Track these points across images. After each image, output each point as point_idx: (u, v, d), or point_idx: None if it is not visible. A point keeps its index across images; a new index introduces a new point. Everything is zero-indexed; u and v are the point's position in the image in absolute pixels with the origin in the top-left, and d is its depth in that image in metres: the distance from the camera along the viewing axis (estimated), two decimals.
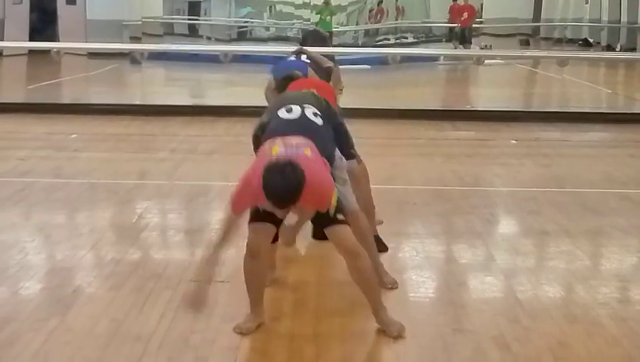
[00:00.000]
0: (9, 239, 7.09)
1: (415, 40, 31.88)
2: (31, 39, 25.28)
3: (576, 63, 20.86)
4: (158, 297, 5.70)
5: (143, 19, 28.06)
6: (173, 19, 32.00)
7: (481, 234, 7.43)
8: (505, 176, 9.94)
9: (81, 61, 22.61)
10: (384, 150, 11.32)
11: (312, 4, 31.07)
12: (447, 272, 6.46)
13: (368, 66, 22.68)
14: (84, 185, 9.09)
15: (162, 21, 30.78)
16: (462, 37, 28.44)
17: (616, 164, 10.63)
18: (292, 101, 5.50)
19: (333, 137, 5.59)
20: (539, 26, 36.45)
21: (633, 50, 28.28)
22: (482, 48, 28.08)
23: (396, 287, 5.95)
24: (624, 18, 30.99)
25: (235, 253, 5.54)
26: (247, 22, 33.21)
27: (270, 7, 33.58)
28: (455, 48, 28.16)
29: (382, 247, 6.68)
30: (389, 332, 5.13)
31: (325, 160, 5.18)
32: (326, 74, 7.26)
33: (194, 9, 32.95)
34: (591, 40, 32.98)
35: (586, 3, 34.76)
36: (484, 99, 18.46)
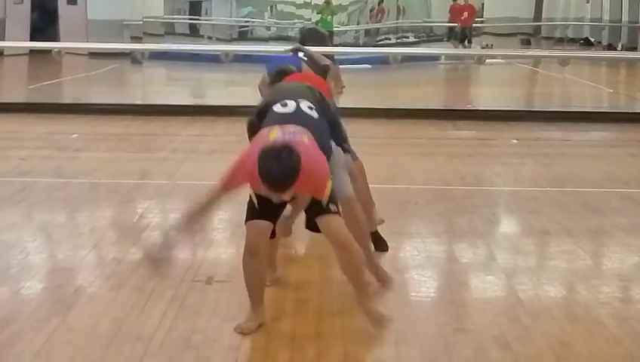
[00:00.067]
0: (10, 239, 7.09)
1: (416, 39, 31.87)
2: (32, 39, 25.30)
3: (577, 63, 20.86)
4: (159, 297, 5.70)
5: (144, 19, 28.07)
6: (174, 18, 32.01)
7: (483, 234, 7.42)
8: (506, 176, 9.93)
9: (82, 61, 22.62)
10: (385, 149, 11.32)
11: (312, 3, 31.09)
12: (449, 272, 6.45)
13: (369, 66, 22.68)
14: (85, 184, 9.09)
15: (163, 21, 30.79)
16: (462, 36, 28.45)
17: (618, 163, 10.62)
18: (287, 95, 5.48)
19: (328, 131, 5.59)
20: (540, 26, 36.47)
21: (634, 49, 28.28)
22: (483, 48, 28.08)
23: (388, 283, 5.96)
24: (625, 17, 30.99)
25: (235, 253, 5.54)
26: (248, 21, 33.23)
27: (271, 6, 33.60)
28: (455, 48, 28.16)
29: (383, 246, 6.69)
30: (371, 321, 5.17)
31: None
32: (322, 72, 7.25)
33: (195, 9, 32.97)
34: (592, 39, 33.00)
35: (587, 2, 34.76)
36: (485, 98, 18.46)
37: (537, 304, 5.76)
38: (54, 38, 25.47)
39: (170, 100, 16.24)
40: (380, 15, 32.09)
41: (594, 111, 15.33)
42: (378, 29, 31.87)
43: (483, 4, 33.25)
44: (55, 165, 10.17)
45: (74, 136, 12.12)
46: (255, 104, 6.02)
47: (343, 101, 12.94)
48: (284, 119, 5.21)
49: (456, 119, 13.85)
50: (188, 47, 24.41)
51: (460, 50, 26.97)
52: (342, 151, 5.90)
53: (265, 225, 5.16)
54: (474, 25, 30.38)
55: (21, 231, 7.44)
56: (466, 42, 28.37)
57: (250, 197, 5.15)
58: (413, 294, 6.01)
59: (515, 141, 12.14)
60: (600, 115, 14.84)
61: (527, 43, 33.24)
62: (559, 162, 10.73)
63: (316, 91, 5.76)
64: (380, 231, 6.81)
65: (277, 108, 5.35)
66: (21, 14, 25.96)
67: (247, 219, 5.17)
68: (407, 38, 31.77)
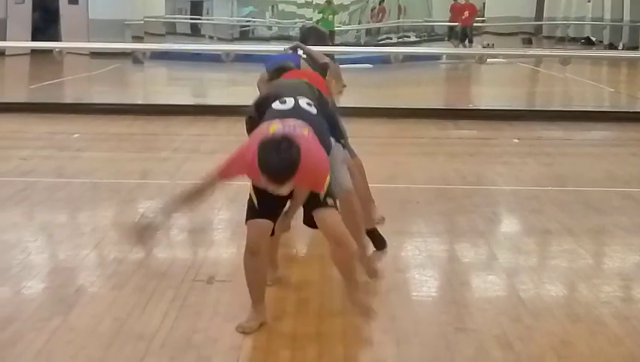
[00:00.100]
0: (11, 239, 7.09)
1: (417, 39, 31.87)
2: (33, 39, 25.31)
3: (578, 62, 20.86)
4: (160, 296, 5.70)
5: (145, 19, 28.08)
6: (175, 18, 32.02)
7: (484, 233, 7.42)
8: (507, 175, 9.93)
9: (83, 61, 22.63)
10: (387, 149, 11.32)
11: (314, 3, 31.12)
12: (450, 271, 6.46)
13: (370, 65, 22.68)
14: (86, 184, 9.10)
15: (164, 20, 30.80)
16: (463, 35, 28.44)
17: (619, 162, 10.62)
18: (285, 92, 5.48)
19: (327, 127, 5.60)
20: (541, 25, 36.46)
21: (635, 48, 28.26)
22: (485, 47, 28.07)
23: (377, 277, 5.97)
24: (626, 17, 30.98)
25: (236, 252, 5.55)
26: (249, 21, 33.24)
27: (272, 6, 33.61)
28: (454, 47, 28.16)
29: (381, 245, 6.70)
30: (359, 311, 5.24)
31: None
32: (322, 70, 7.26)
33: (196, 8, 32.98)
34: (593, 38, 32.98)
35: (589, 1, 34.75)
36: (486, 98, 18.46)
37: (539, 303, 5.76)
38: (56, 37, 25.46)
39: (172, 100, 16.24)
40: (380, 14, 32.09)
41: (595, 111, 15.33)
42: (379, 28, 31.87)
43: (484, 4, 33.26)
44: (56, 165, 10.17)
45: (75, 135, 12.13)
46: None
47: (345, 100, 12.97)
48: (283, 115, 5.21)
49: (458, 118, 13.85)
50: (189, 46, 24.41)
51: (462, 50, 26.95)
52: (341, 147, 5.92)
53: (265, 224, 5.16)
54: (475, 24, 30.37)
55: (22, 230, 7.44)
56: (466, 41, 28.35)
57: (250, 196, 5.15)
58: (414, 293, 6.02)
59: (516, 140, 12.14)
60: (601, 114, 14.83)
61: (528, 42, 33.22)
62: (560, 161, 10.73)
63: (314, 88, 5.77)
64: (381, 230, 6.81)
65: (275, 105, 5.35)
66: (22, 14, 25.98)
67: (247, 219, 5.17)
68: (409, 37, 31.76)
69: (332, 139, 5.62)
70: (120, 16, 26.02)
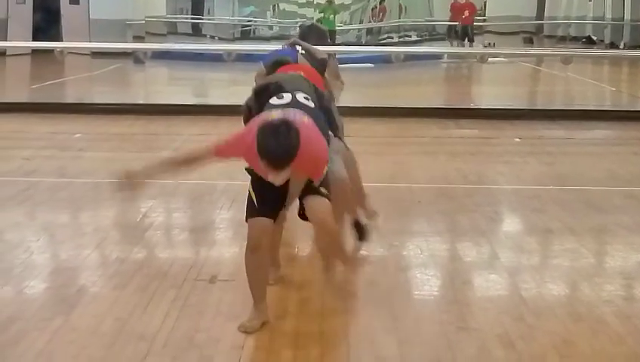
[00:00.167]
0: (14, 238, 7.10)
1: (418, 38, 31.87)
2: (34, 39, 25.30)
3: (579, 61, 20.85)
4: (162, 296, 5.70)
5: (147, 19, 28.07)
6: (176, 18, 32.03)
7: (485, 233, 7.42)
8: (509, 174, 9.93)
9: (84, 60, 22.63)
10: (388, 148, 11.33)
11: (315, 2, 31.13)
12: (452, 270, 6.46)
13: (372, 65, 22.68)
14: (88, 184, 9.10)
15: (166, 20, 30.80)
16: (463, 35, 28.41)
17: (621, 161, 10.62)
18: (284, 85, 5.46)
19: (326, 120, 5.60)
20: (542, 24, 36.42)
21: (637, 47, 28.23)
22: (486, 46, 28.06)
23: (360, 265, 6.01)
24: (627, 16, 30.95)
25: (238, 252, 5.55)
26: (250, 21, 33.26)
27: (273, 6, 33.65)
28: (451, 46, 28.15)
29: (363, 236, 6.69)
30: (332, 291, 5.43)
31: None
32: (320, 65, 7.27)
33: (197, 8, 33.00)
34: (594, 37, 32.95)
35: (590, 1, 34.72)
36: (487, 97, 18.44)
37: (540, 302, 5.76)
38: (57, 37, 25.45)
39: (173, 100, 16.23)
40: (381, 14, 32.09)
41: (596, 110, 15.33)
42: (380, 27, 31.87)
43: (485, 3, 33.25)
44: (58, 165, 10.17)
45: (77, 135, 12.13)
46: None
47: (346, 100, 12.98)
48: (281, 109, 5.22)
49: (459, 118, 13.85)
50: (190, 46, 24.42)
51: (463, 49, 26.94)
52: (337, 139, 5.94)
53: (266, 221, 5.15)
54: (476, 23, 30.35)
55: (25, 230, 7.45)
56: (466, 40, 28.32)
57: (250, 194, 5.15)
58: (416, 293, 6.02)
59: (517, 139, 12.14)
60: (602, 113, 14.82)
61: (529, 41, 33.20)
62: (562, 160, 10.73)
63: (310, 82, 5.77)
64: (382, 229, 6.82)
65: (273, 100, 5.34)
66: (23, 14, 25.98)
67: (247, 217, 5.17)
68: (410, 36, 31.76)
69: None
70: (121, 16, 26.02)
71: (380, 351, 4.95)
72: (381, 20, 31.94)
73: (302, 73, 6.08)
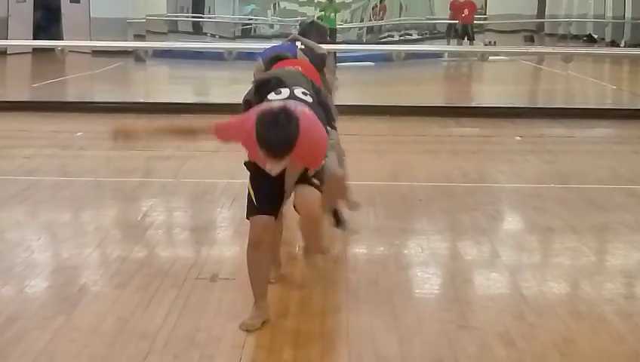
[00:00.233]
0: (15, 237, 7.10)
1: (419, 36, 31.84)
2: (35, 37, 25.28)
3: (580, 59, 20.85)
4: (163, 295, 5.71)
5: (147, 17, 28.06)
6: (177, 16, 32.01)
7: (486, 231, 7.43)
8: (509, 173, 9.94)
9: (85, 59, 22.62)
10: (389, 147, 11.34)
11: (315, 1, 31.08)
12: (453, 269, 6.46)
13: (372, 63, 22.68)
14: (89, 183, 9.10)
15: (166, 19, 30.78)
16: (463, 33, 28.36)
17: (622, 160, 10.62)
18: (282, 82, 5.46)
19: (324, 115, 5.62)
20: (543, 22, 36.40)
21: (637, 46, 28.20)
22: (486, 45, 28.03)
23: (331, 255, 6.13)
24: (628, 14, 30.94)
25: (239, 250, 5.55)
26: (251, 19, 33.23)
27: (274, 4, 33.61)
28: (448, 45, 28.12)
29: (340, 224, 6.96)
30: (309, 266, 5.57)
31: None
32: (320, 60, 7.29)
33: (198, 7, 32.97)
34: (595, 36, 32.93)
35: None
36: (488, 95, 18.44)
37: (541, 301, 5.77)
38: (57, 36, 25.43)
39: (174, 98, 16.21)
40: (381, 13, 32.07)
41: (597, 108, 15.33)
42: (381, 26, 31.85)
43: (486, 1, 33.20)
44: (60, 163, 10.18)
45: (78, 134, 12.13)
46: None
47: (347, 98, 12.96)
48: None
49: (460, 116, 13.85)
50: (191, 45, 24.38)
51: (464, 48, 26.93)
52: (334, 132, 5.98)
53: (267, 219, 5.16)
54: (477, 22, 30.31)
55: (26, 229, 7.45)
56: (465, 39, 28.27)
57: (249, 192, 5.16)
58: (417, 291, 6.03)
59: (518, 138, 12.14)
60: (603, 111, 14.82)
61: (530, 40, 33.16)
62: (563, 159, 10.73)
63: (308, 78, 5.77)
64: (384, 227, 6.84)
65: (271, 96, 5.33)
66: (24, 13, 25.97)
67: (248, 215, 5.18)
68: (411, 35, 31.73)
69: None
70: (122, 15, 26.02)
71: (380, 350, 4.95)
72: (381, 19, 31.92)
73: (299, 68, 6.09)
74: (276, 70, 6.13)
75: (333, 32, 23.88)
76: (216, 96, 18.05)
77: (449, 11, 29.29)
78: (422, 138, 12.24)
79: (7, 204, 8.21)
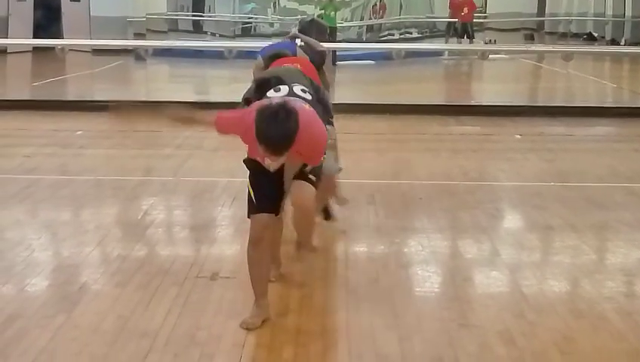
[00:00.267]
0: (15, 236, 7.11)
1: (419, 35, 31.84)
2: (35, 36, 25.28)
3: (580, 58, 20.87)
4: (164, 294, 5.71)
5: (148, 16, 28.05)
6: (177, 15, 32.00)
7: (487, 229, 7.43)
8: (510, 171, 9.94)
9: (85, 58, 22.61)
10: (389, 145, 11.34)
11: None
12: (453, 267, 6.47)
13: (373, 62, 22.68)
14: (89, 181, 9.11)
15: (166, 17, 30.77)
16: (463, 32, 28.33)
17: (622, 158, 10.62)
18: (279, 78, 5.47)
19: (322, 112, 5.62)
20: (543, 21, 36.38)
21: (638, 44, 28.19)
22: (487, 43, 28.02)
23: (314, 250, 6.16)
24: (628, 12, 30.93)
25: (239, 249, 5.56)
26: (251, 18, 33.22)
27: (274, 3, 33.60)
28: (446, 43, 28.12)
29: (329, 217, 7.19)
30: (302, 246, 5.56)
31: None
32: (319, 57, 7.31)
33: (198, 5, 32.96)
34: (595, 34, 32.92)
35: None
36: (488, 94, 18.44)
37: (542, 299, 5.77)
38: (58, 35, 25.42)
39: (174, 97, 16.21)
40: (381, 11, 32.07)
41: (597, 107, 15.32)
42: (381, 24, 31.85)
43: (486, 0, 33.20)
44: (60, 162, 10.19)
45: (78, 133, 12.13)
46: None
47: (347, 97, 12.98)
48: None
49: (460, 115, 13.86)
50: (191, 43, 24.38)
51: (464, 46, 26.92)
52: (332, 129, 6.00)
53: (267, 217, 5.16)
54: (477, 20, 30.29)
55: (26, 228, 7.45)
56: (465, 37, 28.24)
57: (249, 191, 5.16)
58: (417, 289, 6.04)
59: (518, 136, 12.14)
60: (603, 110, 14.82)
61: (530, 38, 33.14)
62: (563, 157, 10.74)
63: (307, 76, 5.77)
64: (384, 226, 6.85)
65: (271, 93, 5.34)
66: (24, 11, 25.97)
67: (249, 213, 5.19)
68: (411, 33, 31.72)
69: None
70: (122, 14, 26.02)
71: (381, 348, 4.95)
72: (382, 17, 31.92)
73: (298, 66, 6.10)
74: (276, 68, 6.13)
75: (333, 30, 23.86)
76: (217, 95, 18.05)
77: (448, 10, 29.28)
78: (422, 136, 12.24)
79: (8, 203, 8.21)
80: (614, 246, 7.23)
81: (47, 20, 26.65)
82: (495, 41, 28.71)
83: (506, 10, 32.96)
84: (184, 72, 21.33)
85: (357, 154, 10.25)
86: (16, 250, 6.65)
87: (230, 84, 19.14)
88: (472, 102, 16.47)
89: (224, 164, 9.49)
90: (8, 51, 23.77)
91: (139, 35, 26.39)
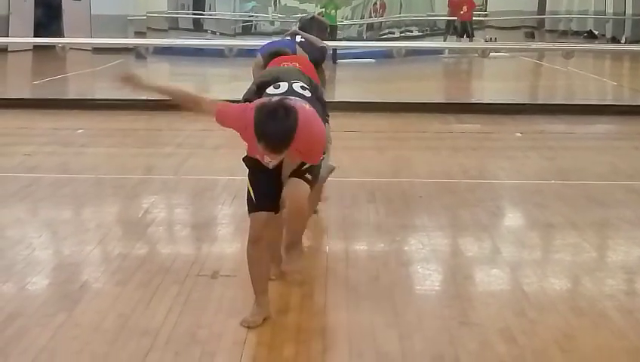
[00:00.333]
0: (16, 235, 7.11)
1: (420, 33, 31.83)
2: (36, 35, 25.28)
3: (581, 55, 20.84)
4: (165, 292, 5.71)
5: (148, 14, 28.05)
6: (177, 13, 31.99)
7: (487, 227, 7.43)
8: (510, 169, 9.94)
9: (86, 56, 22.61)
10: (389, 143, 11.34)
11: None
12: (454, 265, 6.47)
13: (373, 60, 22.67)
14: (90, 180, 9.11)
15: (167, 16, 30.77)
16: (462, 31, 28.31)
17: (622, 156, 10.62)
18: (279, 78, 5.47)
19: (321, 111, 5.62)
20: (544, 19, 36.38)
21: (638, 42, 28.20)
22: (487, 41, 28.02)
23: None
24: (629, 10, 30.94)
25: (240, 247, 5.56)
26: (251, 16, 33.21)
27: (275, 1, 33.58)
28: (445, 41, 28.12)
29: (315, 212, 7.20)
30: (285, 259, 5.41)
31: None
32: (320, 54, 7.30)
33: (198, 3, 32.94)
34: (596, 32, 32.92)
35: None
36: (489, 92, 18.45)
37: (542, 297, 5.77)
38: (58, 33, 25.43)
39: (173, 101, 16.20)
40: (381, 10, 32.06)
41: (598, 104, 15.34)
42: (381, 23, 31.85)
43: None
44: (60, 161, 10.19)
45: (79, 131, 12.14)
46: None
47: (347, 95, 12.98)
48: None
49: (460, 113, 13.85)
50: (192, 42, 24.38)
51: (464, 44, 26.91)
52: (328, 127, 6.01)
53: (266, 215, 5.16)
54: (478, 18, 30.27)
55: (27, 226, 7.45)
56: (464, 36, 28.22)
57: (248, 189, 5.16)
58: (418, 287, 6.03)
59: (518, 134, 12.14)
60: (604, 107, 14.84)
61: (530, 36, 33.15)
62: (563, 155, 10.74)
63: (306, 75, 5.78)
64: (385, 224, 6.85)
65: (270, 90, 5.34)
66: (25, 10, 25.97)
67: (249, 211, 5.19)
68: (411, 31, 31.72)
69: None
70: (122, 12, 26.02)
71: (381, 346, 4.95)
72: (381, 16, 31.92)
73: (297, 65, 6.10)
74: (275, 68, 6.13)
75: (334, 28, 23.88)
76: (217, 93, 17.99)
77: (447, 8, 29.28)
78: (422, 134, 12.24)
79: (8, 202, 8.22)
80: (615, 243, 7.23)
81: (48, 19, 26.67)
82: (495, 39, 28.71)
83: (506, 8, 32.99)
84: (185, 70, 21.32)
85: (357, 152, 10.26)
86: (17, 249, 6.65)
87: (230, 83, 19.14)
88: (473, 101, 16.45)
89: (225, 162, 9.49)
90: (9, 50, 23.79)
91: (139, 34, 26.39)
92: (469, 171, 9.63)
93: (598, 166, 10.02)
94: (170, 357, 4.76)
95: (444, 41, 28.22)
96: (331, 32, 22.97)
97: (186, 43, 23.17)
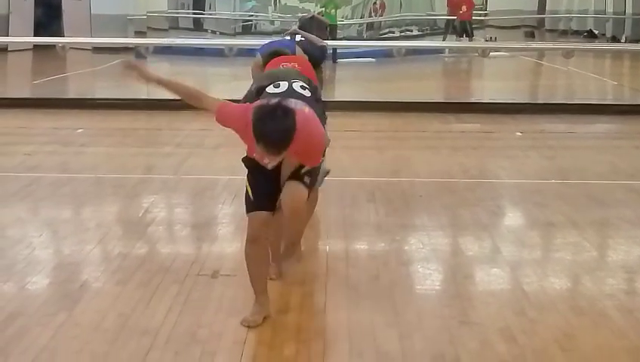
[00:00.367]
0: (16, 234, 7.11)
1: (420, 33, 31.83)
2: (36, 34, 25.29)
3: (581, 55, 20.84)
4: (165, 291, 5.71)
5: (148, 14, 28.06)
6: (178, 13, 31.98)
7: (487, 227, 7.43)
8: (510, 169, 9.94)
9: (86, 56, 22.61)
10: (390, 143, 11.34)
11: None
12: (454, 264, 6.47)
13: (373, 59, 22.67)
14: (90, 179, 9.11)
15: (167, 15, 30.77)
16: (462, 31, 28.31)
17: (623, 155, 10.62)
18: (279, 77, 5.47)
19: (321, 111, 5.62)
20: (544, 18, 36.41)
21: (638, 41, 28.21)
22: (487, 40, 28.02)
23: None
24: (629, 9, 30.94)
25: (240, 247, 5.55)
26: (251, 16, 33.20)
27: (275, 0, 33.57)
28: (444, 41, 28.11)
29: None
30: (285, 252, 5.56)
31: None
32: (320, 52, 7.30)
33: (199, 3, 32.91)
34: (596, 31, 32.93)
35: None
36: (489, 91, 18.44)
37: (542, 296, 5.77)
38: (58, 33, 25.43)
39: (175, 95, 16.20)
40: (381, 9, 32.05)
41: (598, 104, 15.34)
42: (381, 22, 31.85)
43: None
44: (61, 160, 10.19)
45: (79, 131, 12.14)
46: None
47: (347, 94, 12.98)
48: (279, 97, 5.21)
49: (460, 112, 13.85)
50: (192, 41, 24.38)
51: (464, 43, 26.91)
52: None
53: (264, 214, 5.16)
54: (478, 18, 30.27)
55: (27, 226, 7.46)
56: (464, 36, 28.22)
57: (246, 188, 5.17)
58: (418, 287, 6.03)
59: (519, 134, 12.14)
60: (604, 107, 14.84)
61: (530, 35, 33.17)
62: (563, 154, 10.74)
63: (305, 76, 5.78)
64: (385, 224, 6.84)
65: (270, 89, 5.34)
66: (25, 9, 25.97)
67: (247, 211, 5.19)
68: (411, 31, 31.72)
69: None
70: (122, 11, 26.03)
71: (381, 346, 4.95)
72: (381, 15, 31.91)
73: (296, 65, 6.10)
74: (274, 70, 6.13)
75: (333, 28, 23.89)
76: (217, 93, 17.91)
77: (447, 8, 29.27)
78: (422, 134, 12.24)
79: (9, 201, 8.22)
80: (615, 243, 7.23)
81: (48, 18, 26.67)
82: (495, 38, 28.71)
83: (506, 8, 33.00)
84: (185, 69, 21.27)
85: (357, 151, 10.26)
86: (17, 248, 6.65)
87: (230, 82, 19.14)
88: (473, 100, 16.45)
89: (225, 161, 9.49)
90: (9, 49, 23.79)
91: (139, 33, 26.39)
92: (469, 170, 9.63)
93: (599, 165, 10.03)
94: (171, 357, 4.77)
95: (444, 40, 28.20)
96: (331, 32, 23.00)
97: (186, 42, 23.16)
